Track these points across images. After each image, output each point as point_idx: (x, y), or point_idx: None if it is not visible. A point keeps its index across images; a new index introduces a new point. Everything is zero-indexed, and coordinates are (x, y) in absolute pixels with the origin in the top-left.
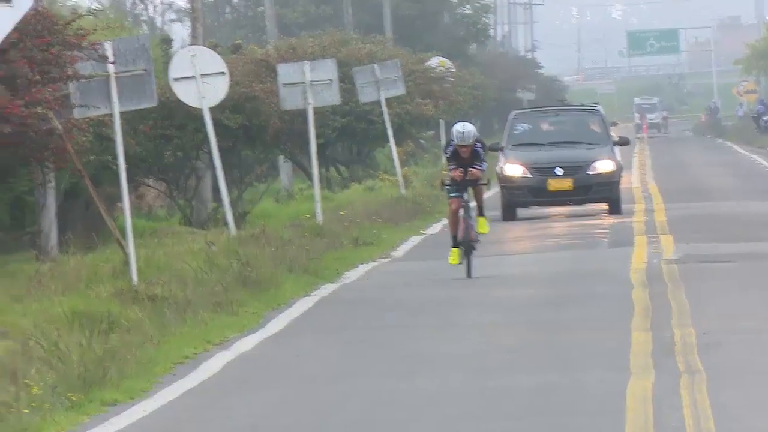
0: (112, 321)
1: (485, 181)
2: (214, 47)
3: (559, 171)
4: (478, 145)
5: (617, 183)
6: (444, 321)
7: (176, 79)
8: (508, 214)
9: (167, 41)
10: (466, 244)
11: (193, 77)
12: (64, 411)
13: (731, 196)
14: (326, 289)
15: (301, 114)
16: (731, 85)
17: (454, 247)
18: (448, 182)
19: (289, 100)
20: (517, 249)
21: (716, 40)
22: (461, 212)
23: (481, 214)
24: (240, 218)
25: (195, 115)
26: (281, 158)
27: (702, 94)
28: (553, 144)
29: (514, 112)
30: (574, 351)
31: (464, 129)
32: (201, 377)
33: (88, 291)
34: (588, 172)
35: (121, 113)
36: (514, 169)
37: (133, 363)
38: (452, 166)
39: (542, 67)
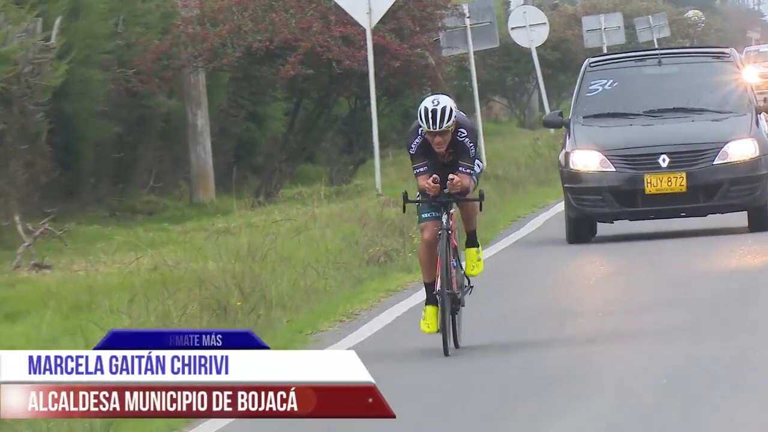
0: None
1: (477, 196)
2: (538, 6)
3: (665, 161)
4: (463, 132)
5: (764, 178)
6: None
7: (513, 28)
8: (579, 232)
9: (506, 2)
10: (446, 298)
11: (524, 26)
12: None
13: None
14: None
15: (599, 49)
16: None
17: (429, 303)
18: (416, 197)
19: (590, 41)
20: None
21: None
22: (440, 246)
23: (472, 243)
24: None
25: (526, 52)
26: None
27: None
28: (653, 115)
29: (589, 60)
30: None
31: (436, 105)
32: (528, 230)
33: None
34: (714, 162)
35: (475, 52)
36: (587, 158)
37: (482, 221)
38: (420, 169)
39: (765, 15)
